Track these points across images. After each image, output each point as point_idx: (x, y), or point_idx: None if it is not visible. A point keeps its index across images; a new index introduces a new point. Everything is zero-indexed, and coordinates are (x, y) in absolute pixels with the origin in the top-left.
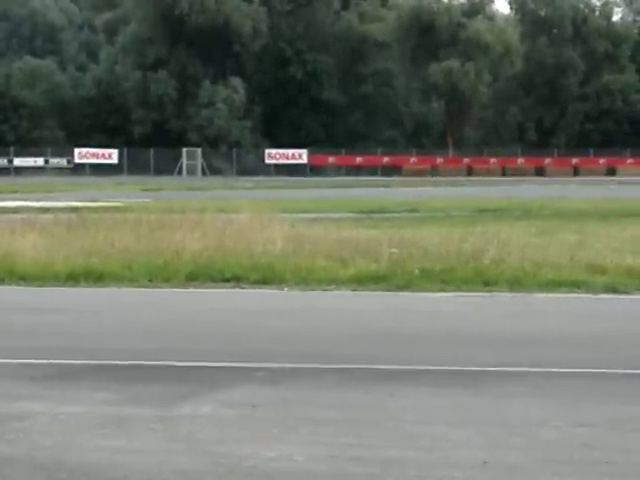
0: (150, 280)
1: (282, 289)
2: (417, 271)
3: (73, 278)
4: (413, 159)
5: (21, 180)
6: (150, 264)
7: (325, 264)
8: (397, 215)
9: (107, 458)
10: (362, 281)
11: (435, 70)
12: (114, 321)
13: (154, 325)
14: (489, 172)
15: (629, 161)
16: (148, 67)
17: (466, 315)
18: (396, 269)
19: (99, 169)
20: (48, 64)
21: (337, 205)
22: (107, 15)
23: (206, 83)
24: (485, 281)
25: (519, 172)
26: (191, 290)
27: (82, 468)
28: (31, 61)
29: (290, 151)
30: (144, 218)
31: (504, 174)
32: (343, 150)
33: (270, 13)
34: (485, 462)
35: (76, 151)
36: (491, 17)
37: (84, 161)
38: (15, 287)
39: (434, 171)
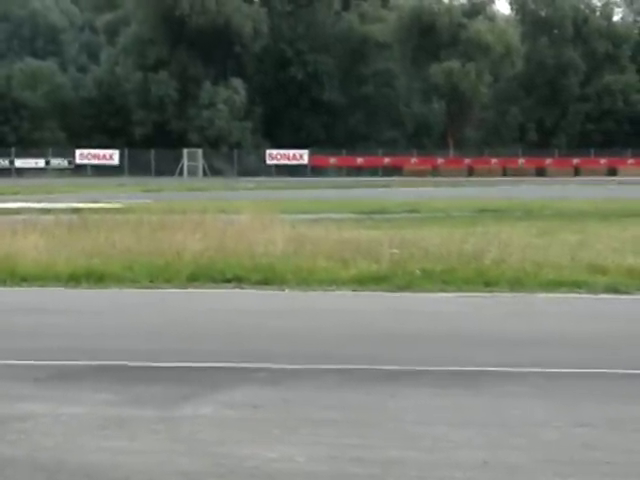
0: (151, 281)
1: (283, 290)
2: (418, 272)
3: (74, 279)
4: (414, 160)
5: (22, 181)
6: (151, 265)
7: (326, 265)
8: (398, 216)
9: (108, 459)
10: (363, 282)
11: (436, 70)
12: (115, 322)
13: (155, 326)
14: (490, 172)
15: (630, 161)
16: (149, 68)
17: (467, 315)
18: (397, 270)
19: (100, 170)
20: (49, 65)
21: (338, 206)
22: (108, 16)
23: (207, 84)
24: (486, 281)
25: (520, 172)
26: (192, 291)
27: (83, 469)
28: (32, 62)
29: (291, 152)
30: (145, 219)
31: (505, 174)
32: (344, 151)
33: (271, 14)
34: (486, 462)
35: (77, 152)
36: (492, 18)
37: (85, 162)
38: (16, 288)
39: (435, 171)
